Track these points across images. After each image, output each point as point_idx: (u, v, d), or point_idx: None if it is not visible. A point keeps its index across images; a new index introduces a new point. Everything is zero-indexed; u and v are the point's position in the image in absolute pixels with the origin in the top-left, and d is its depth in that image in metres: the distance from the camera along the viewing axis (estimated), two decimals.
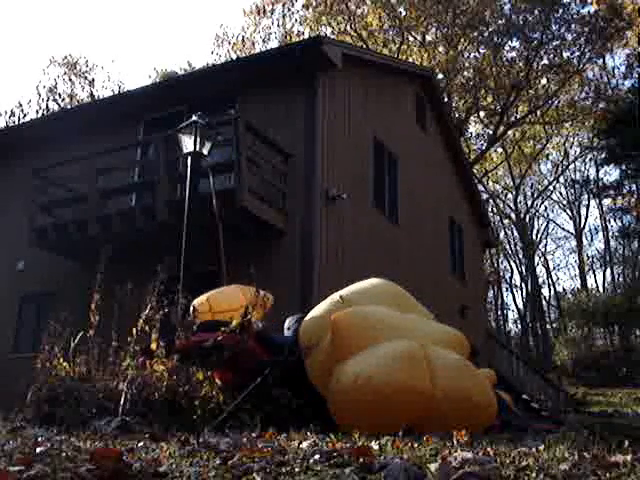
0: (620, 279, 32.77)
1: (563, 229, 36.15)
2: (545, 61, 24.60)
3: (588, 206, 34.02)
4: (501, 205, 34.54)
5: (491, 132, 26.37)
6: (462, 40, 24.23)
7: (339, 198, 9.51)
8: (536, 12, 23.41)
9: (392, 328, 4.14)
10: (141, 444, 2.62)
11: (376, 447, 2.38)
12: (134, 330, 4.09)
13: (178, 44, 52.09)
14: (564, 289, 34.82)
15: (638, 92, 20.34)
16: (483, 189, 28.99)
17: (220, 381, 3.99)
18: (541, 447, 2.46)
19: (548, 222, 35.89)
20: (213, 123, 7.63)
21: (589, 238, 37.46)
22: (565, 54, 24.39)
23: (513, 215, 34.18)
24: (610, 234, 32.79)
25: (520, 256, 34.72)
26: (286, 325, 5.50)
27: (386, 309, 4.41)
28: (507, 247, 34.79)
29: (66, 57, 30.09)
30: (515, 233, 34.81)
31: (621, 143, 19.78)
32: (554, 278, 37.90)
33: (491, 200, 32.12)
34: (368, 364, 3.77)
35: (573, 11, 23.88)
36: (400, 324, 4.23)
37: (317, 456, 2.00)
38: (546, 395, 15.34)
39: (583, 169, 33.28)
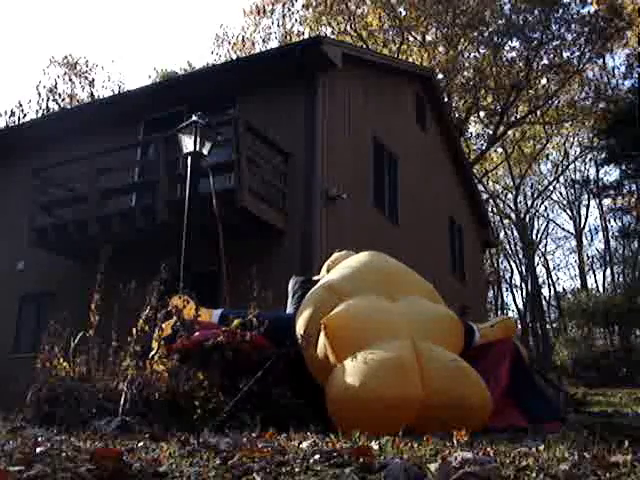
0: (620, 279, 32.76)
1: (563, 229, 36.17)
2: (545, 61, 24.60)
3: (588, 206, 34.03)
4: (501, 205, 34.54)
5: (491, 132, 26.37)
6: (462, 40, 24.23)
7: (339, 198, 9.51)
8: (536, 12, 23.40)
9: (384, 326, 4.06)
10: (141, 444, 2.62)
11: (376, 447, 2.38)
12: (134, 330, 4.09)
13: (178, 44, 52.12)
14: (564, 289, 34.83)
15: (638, 92, 20.37)
16: (483, 189, 28.98)
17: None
18: (541, 447, 2.46)
19: (548, 222, 35.90)
20: (213, 123, 7.63)
21: (589, 238, 37.42)
22: (565, 54, 24.39)
23: (513, 215, 34.17)
24: (610, 234, 32.80)
25: (520, 256, 34.73)
26: (290, 287, 5.51)
27: (377, 301, 4.29)
28: (507, 247, 34.79)
29: (66, 57, 30.09)
30: (515, 233, 34.81)
31: (621, 143, 19.80)
32: (554, 278, 37.87)
33: (491, 200, 32.11)
34: (357, 375, 3.69)
35: (573, 11, 23.89)
36: (391, 320, 4.14)
37: (317, 456, 2.00)
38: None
39: (583, 169, 33.29)
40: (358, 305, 4.24)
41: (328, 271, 5.57)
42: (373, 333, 4.01)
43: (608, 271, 33.73)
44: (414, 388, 3.66)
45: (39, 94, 27.40)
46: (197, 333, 4.30)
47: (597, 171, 31.18)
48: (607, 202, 28.70)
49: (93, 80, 29.75)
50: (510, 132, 27.55)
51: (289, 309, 5.39)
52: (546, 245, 36.23)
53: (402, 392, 3.59)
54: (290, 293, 5.48)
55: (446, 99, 21.74)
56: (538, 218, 35.67)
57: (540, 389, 5.50)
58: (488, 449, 2.35)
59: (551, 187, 34.39)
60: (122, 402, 3.61)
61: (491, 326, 5.49)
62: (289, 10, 25.83)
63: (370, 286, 4.47)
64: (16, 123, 23.91)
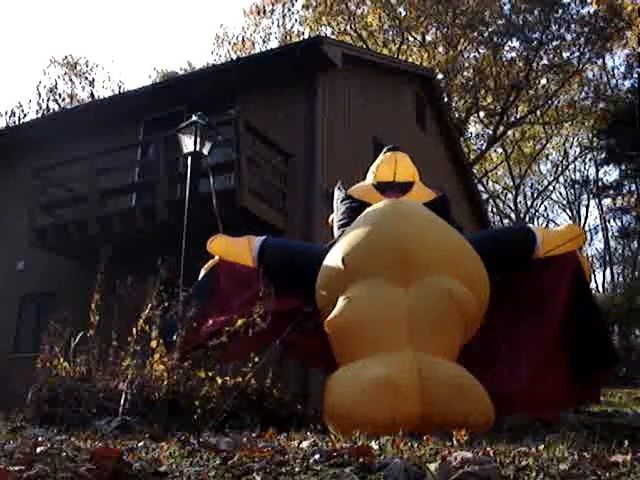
0: (620, 279, 32.74)
1: None
2: (545, 61, 24.58)
3: (588, 206, 33.98)
4: (501, 205, 34.52)
5: (491, 132, 26.36)
6: (462, 40, 24.21)
7: None
8: (536, 12, 23.39)
9: (386, 327, 3.94)
10: (141, 444, 2.62)
11: (376, 447, 2.38)
12: (134, 330, 4.10)
13: (178, 44, 52.05)
14: None
15: (638, 92, 20.37)
16: (483, 189, 28.97)
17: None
18: (541, 447, 2.46)
19: (548, 222, 35.80)
20: (213, 123, 7.63)
21: (589, 238, 37.32)
22: (565, 54, 24.37)
23: (513, 215, 34.13)
24: (610, 234, 32.76)
25: None
26: (335, 199, 5.46)
27: (385, 294, 4.11)
28: None
29: (66, 57, 30.05)
30: None
31: (621, 143, 19.80)
32: None
33: (491, 200, 32.09)
34: (348, 394, 3.61)
35: (573, 11, 23.87)
36: (395, 321, 3.98)
37: (317, 456, 2.00)
38: None
39: (583, 169, 33.26)
40: (362, 302, 4.07)
41: (373, 177, 5.47)
42: (374, 338, 3.90)
43: (608, 271, 33.73)
44: (408, 409, 3.54)
45: (39, 94, 27.37)
46: (210, 322, 4.32)
47: (597, 171, 31.18)
48: (607, 202, 28.70)
49: (93, 80, 29.71)
50: (510, 132, 27.52)
51: (335, 224, 5.36)
52: None
53: (393, 415, 3.46)
54: (335, 207, 5.45)
55: (446, 99, 21.73)
56: (538, 218, 35.62)
57: (599, 320, 4.83)
58: (488, 449, 2.35)
59: (551, 187, 34.40)
60: (122, 402, 3.61)
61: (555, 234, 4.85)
62: (289, 10, 25.82)
63: (383, 266, 4.22)
64: (16, 123, 23.89)
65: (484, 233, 4.63)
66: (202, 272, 5.00)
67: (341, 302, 4.11)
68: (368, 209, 4.87)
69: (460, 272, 4.27)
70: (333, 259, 4.47)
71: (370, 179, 5.58)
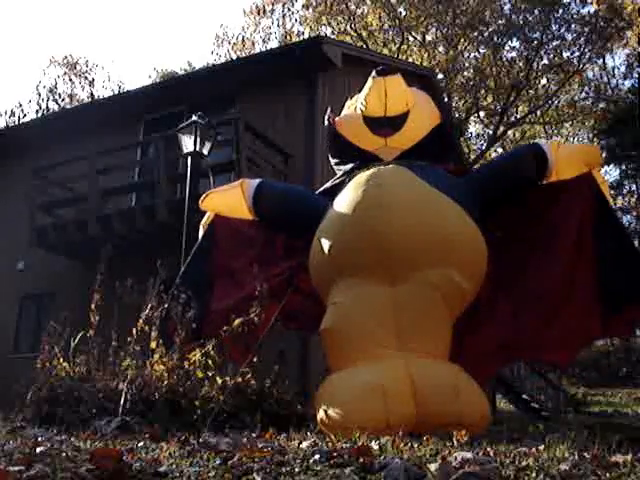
0: None
1: None
2: (545, 61, 24.59)
3: None
4: None
5: (491, 132, 26.36)
6: (462, 40, 24.22)
7: None
8: (536, 12, 23.40)
9: (375, 331, 3.85)
10: (141, 444, 2.62)
11: (376, 447, 2.38)
12: (134, 330, 4.09)
13: (178, 44, 52.12)
14: None
15: (638, 92, 20.37)
16: None
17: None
18: (541, 447, 2.46)
19: None
20: (213, 123, 7.64)
21: None
22: (565, 54, 24.38)
23: None
24: None
25: None
26: (327, 133, 5.12)
27: (371, 295, 3.98)
28: None
29: (66, 57, 30.07)
30: None
31: (621, 143, 19.80)
32: None
33: None
34: (340, 401, 3.57)
35: (573, 11, 23.88)
36: (383, 323, 3.88)
37: (317, 456, 2.00)
38: (546, 395, 15.34)
39: None
40: (349, 307, 4.00)
41: (363, 108, 4.87)
42: (363, 344, 3.81)
43: None
44: (401, 413, 3.50)
45: (39, 94, 27.39)
46: (219, 297, 4.34)
47: None
48: None
49: (93, 80, 29.73)
50: (510, 132, 27.53)
51: (331, 161, 4.95)
52: None
53: (386, 421, 3.43)
54: (328, 142, 5.13)
55: (446, 99, 21.73)
56: None
57: (630, 246, 4.23)
58: (488, 449, 2.35)
59: None
60: (122, 402, 3.61)
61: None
62: (289, 10, 25.82)
63: (369, 263, 4.03)
64: (16, 123, 23.90)
65: (488, 165, 4.22)
66: (200, 229, 4.91)
67: (329, 310, 4.05)
68: (350, 184, 4.39)
69: (453, 257, 3.96)
70: (319, 256, 4.29)
71: (360, 108, 4.97)
